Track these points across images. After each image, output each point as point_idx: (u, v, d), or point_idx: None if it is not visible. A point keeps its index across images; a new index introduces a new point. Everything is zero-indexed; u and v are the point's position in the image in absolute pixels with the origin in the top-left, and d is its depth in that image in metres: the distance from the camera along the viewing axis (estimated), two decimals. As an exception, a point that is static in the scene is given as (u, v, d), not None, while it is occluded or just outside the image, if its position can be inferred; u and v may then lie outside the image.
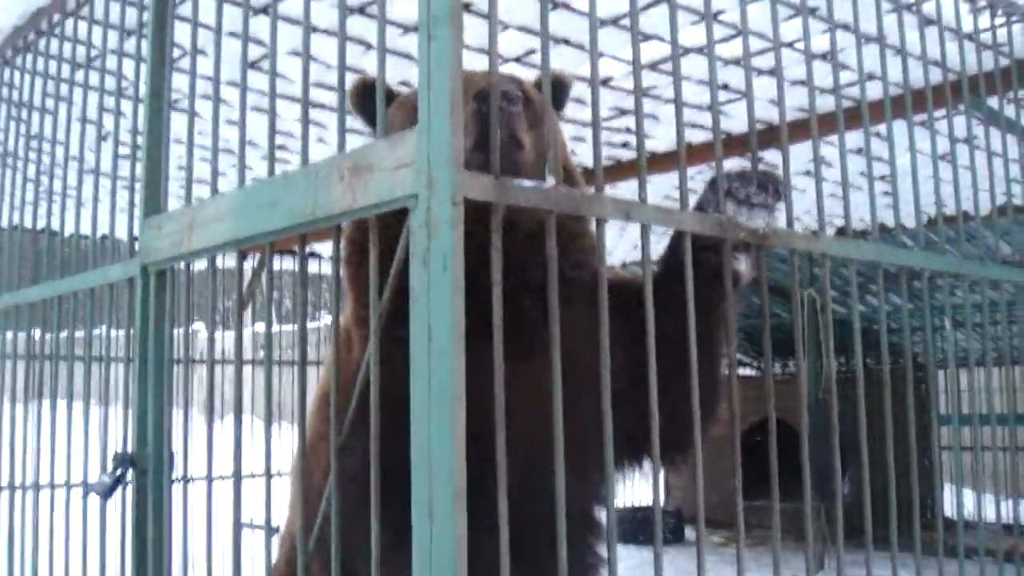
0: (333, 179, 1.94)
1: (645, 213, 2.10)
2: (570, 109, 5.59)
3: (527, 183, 1.86)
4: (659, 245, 2.89)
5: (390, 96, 2.77)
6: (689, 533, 11.81)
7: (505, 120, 2.29)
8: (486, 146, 1.89)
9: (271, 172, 2.29)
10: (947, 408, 8.04)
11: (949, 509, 8.30)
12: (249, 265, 8.67)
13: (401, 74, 4.70)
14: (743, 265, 2.49)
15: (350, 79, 2.67)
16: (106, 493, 2.74)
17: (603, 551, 2.88)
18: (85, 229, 3.64)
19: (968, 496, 7.97)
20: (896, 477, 2.73)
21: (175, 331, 2.84)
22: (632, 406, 2.24)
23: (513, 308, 1.90)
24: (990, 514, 8.93)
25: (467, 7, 4.14)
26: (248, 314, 12.33)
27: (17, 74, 4.32)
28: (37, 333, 3.86)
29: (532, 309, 2.46)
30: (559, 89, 2.94)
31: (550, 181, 1.91)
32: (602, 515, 2.87)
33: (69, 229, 3.54)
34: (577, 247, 2.69)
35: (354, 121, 2.85)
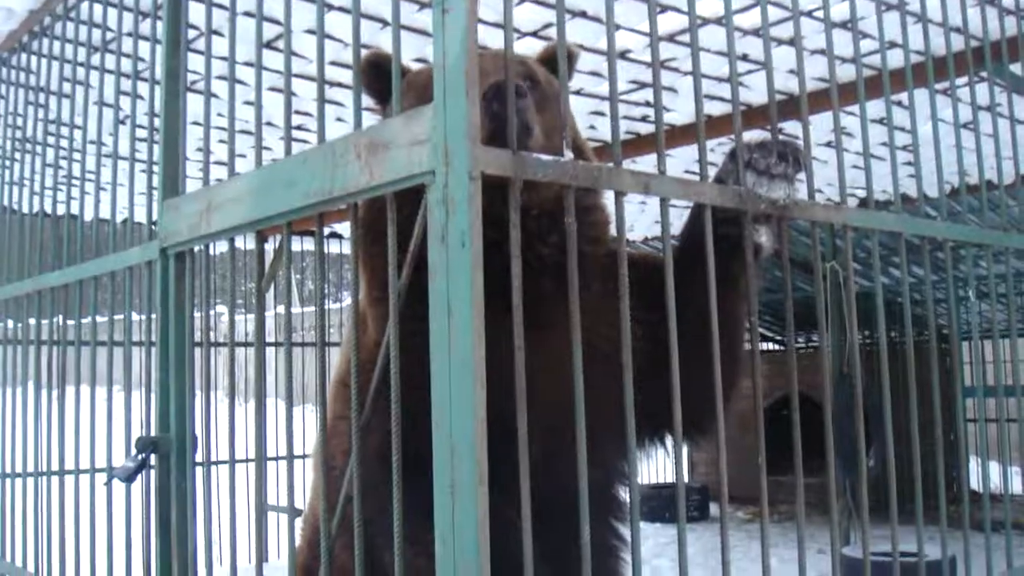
0: (350, 157, 1.93)
1: (664, 186, 2.08)
2: (588, 82, 5.58)
3: (545, 157, 1.84)
4: (680, 220, 2.86)
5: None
6: (715, 510, 11.81)
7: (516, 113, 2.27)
8: (497, 141, 1.85)
9: (288, 152, 2.28)
10: (972, 380, 7.98)
11: (975, 482, 8.29)
12: (270, 247, 8.68)
13: (417, 51, 4.68)
14: (763, 237, 2.46)
15: (365, 56, 2.66)
16: (129, 478, 2.75)
17: (624, 530, 2.86)
18: (105, 213, 3.64)
19: (994, 468, 7.93)
20: (921, 450, 2.71)
21: (196, 314, 2.84)
22: (652, 383, 2.21)
23: (530, 285, 1.88)
24: (1016, 486, 8.89)
25: (482, -18, 4.11)
26: (270, 296, 12.37)
27: (34, 59, 4.32)
28: (59, 318, 3.86)
29: (549, 285, 2.43)
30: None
31: (568, 155, 1.89)
32: (623, 494, 2.86)
33: (89, 214, 3.54)
34: (591, 223, 2.66)
35: (371, 99, 2.83)
